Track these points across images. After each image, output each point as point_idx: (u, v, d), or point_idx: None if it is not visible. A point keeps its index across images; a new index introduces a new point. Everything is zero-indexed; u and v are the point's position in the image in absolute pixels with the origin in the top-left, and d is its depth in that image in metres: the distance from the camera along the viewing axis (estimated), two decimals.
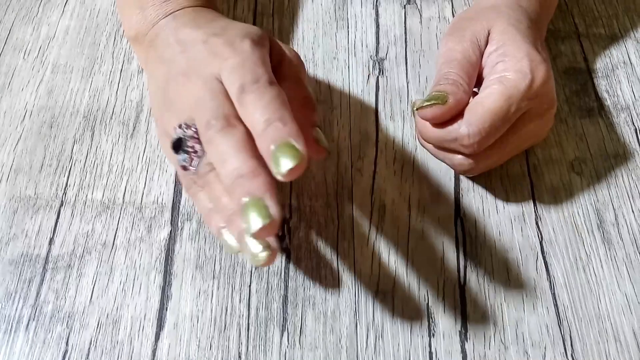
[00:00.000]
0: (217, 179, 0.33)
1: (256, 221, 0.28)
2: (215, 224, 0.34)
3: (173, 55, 0.36)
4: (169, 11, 0.38)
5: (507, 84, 0.35)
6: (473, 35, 0.38)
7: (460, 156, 0.38)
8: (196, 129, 0.33)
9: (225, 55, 0.33)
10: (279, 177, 0.29)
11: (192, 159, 0.33)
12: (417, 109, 0.36)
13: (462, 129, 0.35)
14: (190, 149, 0.33)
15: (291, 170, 0.28)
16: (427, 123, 0.37)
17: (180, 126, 0.34)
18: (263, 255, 0.30)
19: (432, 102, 0.36)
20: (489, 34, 0.38)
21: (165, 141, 0.36)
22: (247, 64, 0.33)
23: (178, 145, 0.34)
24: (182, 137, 0.33)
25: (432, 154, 0.40)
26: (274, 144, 0.29)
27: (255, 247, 0.30)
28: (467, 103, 0.36)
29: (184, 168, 0.34)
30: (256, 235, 0.29)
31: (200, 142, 0.33)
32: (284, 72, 0.37)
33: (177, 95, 0.34)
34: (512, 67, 0.36)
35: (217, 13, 0.40)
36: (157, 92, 0.37)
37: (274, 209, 0.28)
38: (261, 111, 0.30)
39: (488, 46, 0.38)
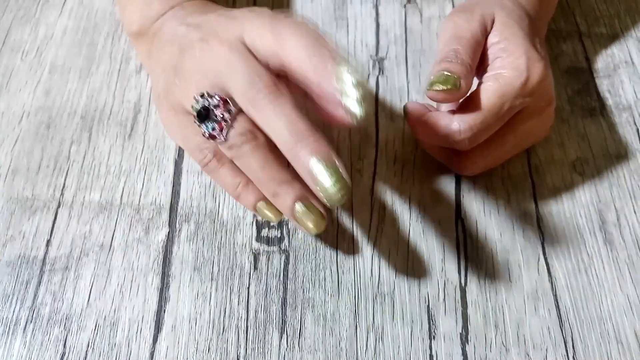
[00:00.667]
0: (256, 149, 0.32)
1: (333, 183, 0.30)
2: (249, 199, 0.34)
3: (185, 33, 0.35)
4: (174, 4, 0.39)
5: (502, 81, 0.35)
6: (482, 17, 0.37)
7: (457, 155, 0.37)
8: (221, 96, 0.32)
9: (247, 16, 0.33)
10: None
11: (222, 128, 0.32)
12: (428, 89, 0.35)
13: (454, 124, 0.35)
14: (219, 117, 0.32)
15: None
16: (420, 120, 0.37)
17: (202, 95, 0.33)
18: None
19: (447, 86, 0.34)
20: (493, 20, 0.38)
21: (178, 117, 0.35)
22: (274, 21, 0.32)
23: (205, 114, 0.32)
24: (208, 106, 0.32)
25: (430, 154, 0.40)
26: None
27: (307, 222, 0.32)
28: (471, 85, 0.36)
29: (212, 137, 0.33)
30: (332, 195, 0.30)
31: (228, 110, 0.32)
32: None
33: (194, 63, 0.33)
34: (508, 65, 0.36)
35: (221, 6, 0.40)
36: (165, 71, 0.36)
37: (344, 171, 0.30)
38: (305, 48, 0.30)
39: (491, 35, 0.37)
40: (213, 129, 0.32)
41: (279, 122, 0.31)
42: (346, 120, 0.30)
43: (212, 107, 0.32)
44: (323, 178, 0.30)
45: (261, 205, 0.34)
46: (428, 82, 0.35)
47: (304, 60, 0.31)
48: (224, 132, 0.32)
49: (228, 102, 0.32)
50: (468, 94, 0.36)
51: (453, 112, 0.36)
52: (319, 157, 0.30)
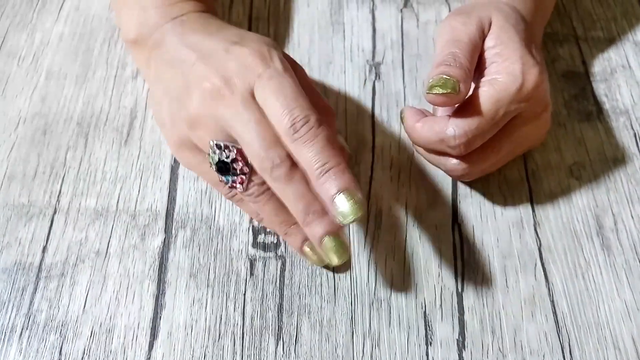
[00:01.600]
0: (271, 199, 0.34)
1: (337, 254, 0.34)
2: (274, 227, 0.37)
3: (192, 62, 0.35)
4: (174, 15, 0.38)
5: (497, 87, 0.35)
6: (479, 21, 0.37)
7: (454, 160, 0.37)
8: (237, 148, 0.34)
9: (258, 70, 0.34)
10: (340, 219, 0.32)
11: (242, 182, 0.34)
12: (427, 93, 0.35)
13: (449, 130, 0.35)
14: (238, 171, 0.34)
15: (353, 220, 0.31)
16: (416, 125, 0.37)
17: (219, 146, 0.34)
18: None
19: (446, 90, 0.34)
20: (490, 24, 0.38)
21: (192, 153, 0.36)
22: (287, 89, 0.33)
23: (224, 169, 0.34)
24: (226, 160, 0.34)
25: (426, 159, 0.40)
26: (337, 192, 0.31)
27: (313, 258, 0.36)
28: (469, 89, 0.36)
29: (231, 187, 0.35)
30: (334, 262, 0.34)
31: (246, 162, 0.34)
32: (300, 83, 0.37)
33: (205, 107, 0.34)
34: (504, 70, 0.36)
35: (221, 20, 0.40)
36: (169, 98, 0.36)
37: (346, 242, 0.34)
38: (316, 157, 0.32)
39: (487, 38, 0.37)
40: (233, 181, 0.34)
41: (291, 197, 0.33)
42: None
43: (231, 161, 0.34)
44: (331, 252, 0.34)
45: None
46: (427, 85, 0.35)
47: (312, 170, 0.32)
48: (244, 185, 0.34)
49: (245, 155, 0.34)
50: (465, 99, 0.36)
51: (449, 117, 0.36)
52: (329, 234, 0.33)
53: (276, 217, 0.35)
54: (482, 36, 0.37)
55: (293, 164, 0.33)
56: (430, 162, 0.40)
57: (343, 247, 0.34)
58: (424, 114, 0.38)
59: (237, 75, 0.34)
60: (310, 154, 0.32)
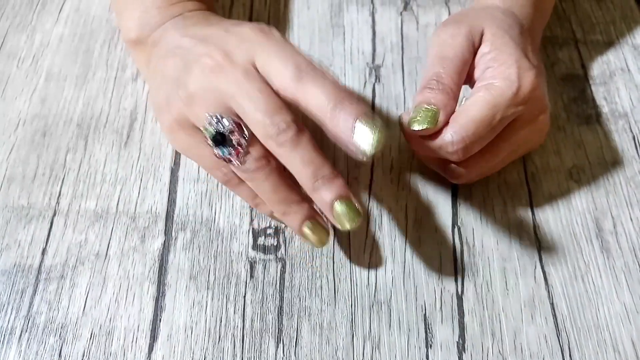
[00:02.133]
0: (270, 175, 0.33)
1: (349, 218, 0.32)
2: (267, 210, 0.37)
3: (189, 46, 0.35)
4: (175, 14, 0.38)
5: (493, 92, 0.35)
6: (469, 31, 0.38)
7: (452, 165, 0.37)
8: (235, 120, 0.33)
9: (259, 39, 0.33)
10: (361, 154, 0.31)
11: (238, 153, 0.33)
12: (407, 127, 0.36)
13: (446, 136, 0.35)
14: (235, 143, 0.33)
15: (376, 144, 0.31)
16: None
17: (215, 118, 0.33)
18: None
19: (424, 126, 0.35)
20: (482, 33, 0.38)
21: (187, 132, 0.35)
22: (288, 50, 0.33)
23: (221, 140, 0.33)
24: (222, 130, 0.33)
25: (425, 163, 0.40)
26: (356, 122, 0.31)
27: (312, 238, 0.35)
28: (455, 108, 0.36)
29: (227, 161, 0.34)
30: (347, 226, 0.33)
31: (243, 135, 0.33)
32: None
33: (203, 81, 0.33)
34: (499, 75, 0.36)
35: (223, 17, 0.40)
36: (167, 82, 0.36)
37: (359, 206, 0.33)
38: (327, 94, 0.31)
39: (482, 46, 0.38)
40: (230, 154, 0.33)
41: (299, 163, 0.32)
42: (357, 156, 0.32)
43: (228, 133, 0.33)
44: (343, 218, 0.33)
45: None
46: (409, 117, 0.36)
47: (325, 111, 0.31)
48: (240, 157, 0.33)
49: (242, 128, 0.33)
50: (462, 104, 0.36)
51: (446, 123, 0.36)
52: (340, 199, 0.32)
53: (275, 194, 0.34)
54: (472, 47, 0.37)
55: (299, 129, 0.32)
56: (430, 166, 0.40)
57: (355, 210, 0.33)
58: None
59: (238, 47, 0.34)
60: (319, 90, 0.31)
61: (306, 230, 0.35)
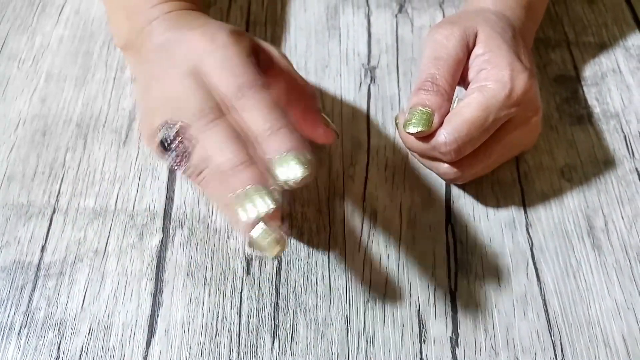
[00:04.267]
0: (213, 175, 0.32)
1: (256, 208, 0.29)
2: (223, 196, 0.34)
3: (153, 56, 0.36)
4: (156, 16, 0.38)
5: (486, 93, 0.36)
6: (463, 32, 0.38)
7: (446, 165, 0.38)
8: (180, 125, 0.32)
9: (203, 47, 0.33)
10: (286, 185, 0.30)
11: (181, 159, 0.33)
12: (404, 129, 0.37)
13: (440, 137, 0.36)
14: (177, 148, 0.33)
15: (302, 179, 0.30)
16: None
17: (163, 125, 0.33)
18: (268, 241, 0.30)
19: (419, 129, 0.36)
20: (476, 35, 0.39)
21: (153, 143, 0.35)
22: (231, 60, 0.32)
23: (165, 146, 0.33)
24: (166, 136, 0.33)
25: (420, 163, 0.41)
26: (282, 152, 0.30)
27: (258, 234, 0.31)
28: (449, 109, 0.37)
29: (177, 167, 0.33)
30: (255, 223, 0.30)
31: (186, 139, 0.32)
32: (276, 70, 0.37)
33: (158, 94, 0.34)
34: (492, 77, 0.36)
35: (205, 15, 0.40)
36: (141, 94, 0.37)
37: (272, 195, 0.30)
38: (263, 117, 0.31)
39: (475, 48, 0.38)
40: (174, 160, 0.33)
41: (212, 150, 0.31)
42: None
43: (171, 138, 0.33)
44: (246, 203, 0.30)
45: None
46: (404, 119, 0.37)
47: (258, 134, 0.31)
48: (185, 162, 0.32)
49: (186, 131, 0.32)
50: (456, 106, 0.37)
51: (440, 124, 0.36)
52: (246, 185, 0.30)
53: (215, 191, 0.32)
54: (466, 49, 0.38)
55: (216, 114, 0.31)
56: (424, 166, 0.40)
57: (264, 193, 0.30)
58: None
59: (181, 57, 0.34)
60: (258, 117, 0.31)
61: (254, 236, 0.31)
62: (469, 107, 0.36)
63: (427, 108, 0.36)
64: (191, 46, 0.34)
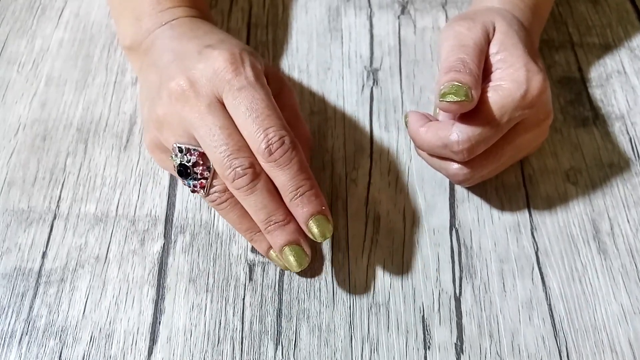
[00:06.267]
0: (235, 206, 0.35)
1: (296, 264, 0.34)
2: (240, 233, 0.37)
3: (167, 63, 0.36)
4: (165, 21, 0.39)
5: (502, 93, 0.35)
6: (484, 25, 0.38)
7: (456, 165, 0.37)
8: (200, 152, 0.34)
9: (227, 76, 0.34)
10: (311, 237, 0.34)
11: (203, 186, 0.34)
12: (440, 100, 0.35)
13: (453, 135, 0.35)
14: (198, 176, 0.34)
15: (324, 238, 0.34)
16: (420, 130, 0.37)
17: (181, 149, 0.34)
18: (299, 267, 0.35)
19: (460, 98, 0.34)
20: (494, 28, 0.38)
21: (162, 154, 0.36)
22: (259, 106, 0.33)
23: (184, 173, 0.34)
24: (187, 163, 0.34)
25: (428, 164, 0.40)
26: (310, 216, 0.33)
27: (280, 263, 0.36)
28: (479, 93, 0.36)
29: (193, 191, 0.35)
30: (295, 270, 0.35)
31: (207, 168, 0.34)
32: (283, 101, 0.37)
33: (174, 110, 0.34)
34: (508, 76, 0.36)
35: (212, 25, 0.40)
36: (148, 98, 0.36)
37: (308, 250, 0.35)
38: (289, 181, 0.33)
39: (491, 44, 0.38)
40: (195, 186, 0.34)
41: (253, 207, 0.34)
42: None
43: (192, 165, 0.34)
44: (290, 258, 0.34)
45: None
46: (439, 93, 0.35)
47: (286, 192, 0.34)
48: (205, 189, 0.34)
49: (207, 159, 0.34)
50: None
51: (453, 122, 0.36)
52: (288, 244, 0.34)
53: (240, 225, 0.35)
54: (488, 41, 0.37)
55: (255, 173, 0.33)
56: (433, 167, 0.40)
57: (302, 256, 0.34)
58: (427, 118, 0.38)
59: (204, 77, 0.34)
60: (285, 177, 0.33)
61: (273, 255, 0.36)
62: (484, 106, 0.35)
63: (463, 84, 0.34)
64: (214, 72, 0.34)
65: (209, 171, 0.34)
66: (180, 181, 0.37)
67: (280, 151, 0.33)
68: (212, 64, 0.34)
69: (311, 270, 0.37)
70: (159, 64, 0.36)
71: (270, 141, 0.32)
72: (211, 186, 0.34)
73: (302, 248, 0.34)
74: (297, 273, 0.37)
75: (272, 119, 0.33)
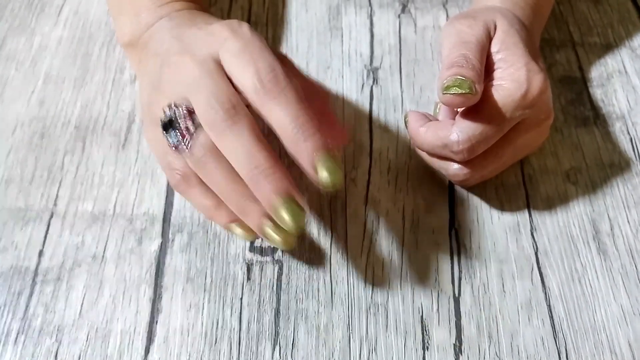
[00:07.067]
0: (218, 163, 0.32)
1: (292, 219, 0.30)
2: (221, 220, 0.35)
3: (168, 47, 0.36)
4: (163, 14, 0.39)
5: (502, 92, 0.35)
6: (485, 23, 0.37)
7: (456, 166, 0.37)
8: (188, 107, 0.32)
9: (224, 35, 0.33)
10: (320, 186, 0.30)
11: (184, 137, 0.32)
12: (443, 93, 0.34)
13: (453, 135, 0.35)
14: (182, 127, 0.32)
15: (335, 183, 0.30)
16: (419, 129, 0.37)
17: (169, 106, 0.33)
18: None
19: (464, 90, 0.33)
20: (495, 26, 0.38)
21: (154, 129, 0.34)
22: (252, 48, 0.32)
23: (169, 124, 0.32)
24: (173, 116, 0.33)
25: (428, 164, 0.40)
26: (316, 155, 0.30)
27: (276, 239, 0.32)
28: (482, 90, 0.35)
29: (176, 147, 0.33)
30: (290, 227, 0.31)
31: (193, 121, 0.32)
32: (287, 68, 0.36)
33: (169, 76, 0.34)
34: (509, 76, 0.35)
35: (212, 16, 0.40)
36: (149, 84, 0.36)
37: (304, 205, 0.31)
38: (288, 116, 0.30)
39: (492, 43, 0.37)
40: (177, 139, 0.32)
41: (236, 152, 0.31)
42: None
43: (177, 118, 0.32)
44: (283, 214, 0.30)
45: (233, 225, 0.35)
46: (442, 86, 0.34)
47: (285, 130, 0.30)
48: (187, 142, 0.32)
49: (193, 115, 0.32)
50: None
51: (453, 122, 0.36)
52: (279, 193, 0.30)
53: (228, 185, 0.32)
54: (489, 38, 0.37)
55: (235, 110, 0.31)
56: (432, 167, 0.39)
57: (297, 212, 0.30)
58: (427, 118, 0.38)
59: (200, 40, 0.34)
60: (282, 112, 0.30)
61: (268, 229, 0.32)
62: (484, 106, 0.35)
63: (466, 78, 0.34)
64: (210, 33, 0.34)
65: (194, 123, 0.32)
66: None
67: (274, 81, 0.30)
68: (211, 30, 0.34)
69: (309, 270, 0.37)
70: (159, 52, 0.36)
71: (262, 72, 0.31)
72: (195, 139, 0.32)
73: (296, 201, 0.31)
74: (295, 273, 0.37)
75: (262, 55, 0.31)
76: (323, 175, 0.30)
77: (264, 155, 0.30)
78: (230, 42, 0.33)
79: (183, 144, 0.32)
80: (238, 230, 0.35)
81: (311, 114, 0.31)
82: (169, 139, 0.33)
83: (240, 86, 0.32)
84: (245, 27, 0.34)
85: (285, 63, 0.36)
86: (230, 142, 0.31)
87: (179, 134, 0.32)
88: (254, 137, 0.31)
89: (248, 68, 0.31)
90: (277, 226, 0.32)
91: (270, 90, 0.30)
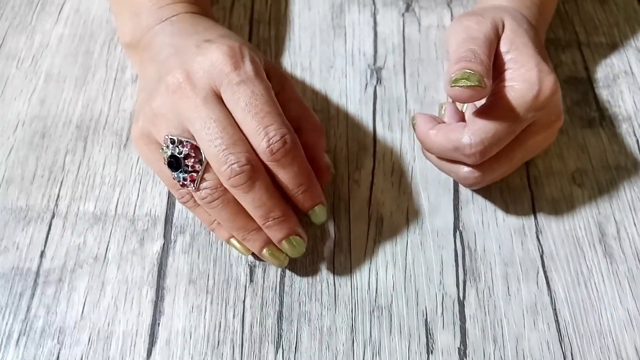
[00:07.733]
0: (227, 204, 0.33)
1: (295, 251, 0.35)
2: (222, 235, 0.36)
3: (166, 57, 0.35)
4: (164, 17, 0.38)
5: (514, 94, 0.34)
6: (493, 21, 0.37)
7: (466, 169, 0.36)
8: (192, 144, 0.33)
9: (225, 70, 0.33)
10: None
11: (193, 179, 0.33)
12: (451, 86, 0.33)
13: (465, 138, 0.34)
14: (189, 168, 0.33)
15: (321, 222, 0.36)
16: (429, 132, 0.36)
17: (172, 141, 0.33)
18: (280, 262, 0.36)
19: (473, 83, 0.33)
20: (504, 25, 0.37)
21: (150, 147, 0.35)
22: (258, 97, 0.33)
23: (175, 164, 0.33)
24: (178, 155, 0.33)
25: (437, 167, 0.39)
26: (312, 207, 0.35)
27: (275, 262, 0.36)
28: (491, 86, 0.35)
29: (183, 186, 0.34)
30: (293, 256, 0.36)
31: (198, 161, 0.33)
32: (287, 95, 0.37)
33: (169, 102, 0.33)
34: (520, 77, 0.35)
35: (213, 21, 0.40)
36: (146, 90, 0.36)
37: (305, 237, 0.35)
38: (292, 179, 0.34)
39: (501, 42, 0.37)
40: (185, 179, 0.33)
41: (251, 204, 0.33)
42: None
43: (183, 157, 0.33)
44: (288, 247, 0.35)
45: (233, 240, 0.36)
46: (449, 80, 0.34)
47: (288, 189, 0.34)
48: (196, 183, 0.33)
49: (199, 152, 0.33)
50: (479, 106, 0.35)
51: (464, 125, 0.35)
52: (289, 235, 0.34)
53: (232, 222, 0.34)
54: (498, 36, 0.36)
55: (253, 169, 0.32)
56: (441, 170, 0.39)
57: (301, 243, 0.35)
58: (436, 121, 0.37)
59: (202, 70, 0.33)
60: (287, 175, 0.33)
61: (266, 254, 0.35)
62: (495, 107, 0.34)
63: (474, 72, 0.33)
64: (212, 64, 0.33)
65: (201, 164, 0.33)
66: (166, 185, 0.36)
67: (283, 151, 0.32)
68: (211, 57, 0.33)
69: (312, 272, 0.37)
70: (158, 59, 0.36)
71: (272, 140, 0.32)
72: (202, 180, 0.33)
73: (301, 237, 0.35)
74: (299, 275, 0.36)
75: (272, 116, 0.32)
76: (314, 218, 0.35)
77: (277, 205, 0.33)
78: (235, 86, 0.33)
79: (192, 184, 0.33)
80: (238, 246, 0.36)
81: (310, 172, 0.35)
82: (176, 177, 0.34)
83: (250, 139, 0.33)
84: (247, 60, 0.34)
85: (285, 88, 0.37)
86: (245, 197, 0.33)
87: (186, 175, 0.33)
88: (269, 192, 0.33)
89: (258, 129, 0.32)
90: (274, 253, 0.35)
91: (279, 160, 0.33)
